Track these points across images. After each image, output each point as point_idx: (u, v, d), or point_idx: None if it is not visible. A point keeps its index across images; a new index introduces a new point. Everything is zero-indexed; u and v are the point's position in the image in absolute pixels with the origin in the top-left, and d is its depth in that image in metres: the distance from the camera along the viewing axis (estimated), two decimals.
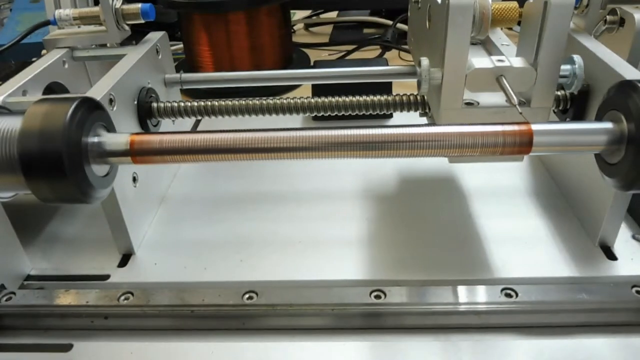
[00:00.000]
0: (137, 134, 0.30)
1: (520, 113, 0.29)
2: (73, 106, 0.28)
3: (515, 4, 0.35)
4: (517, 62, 0.32)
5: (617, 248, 0.38)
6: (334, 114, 0.45)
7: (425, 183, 0.48)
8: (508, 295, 0.34)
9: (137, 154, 0.29)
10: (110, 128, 0.31)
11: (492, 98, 0.33)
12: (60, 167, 0.27)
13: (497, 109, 0.33)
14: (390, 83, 0.57)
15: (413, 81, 0.50)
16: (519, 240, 0.40)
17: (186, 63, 0.75)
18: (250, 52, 0.71)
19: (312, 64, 0.77)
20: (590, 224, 0.39)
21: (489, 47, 0.38)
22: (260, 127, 0.30)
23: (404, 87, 0.63)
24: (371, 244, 0.41)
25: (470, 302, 0.34)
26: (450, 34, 0.31)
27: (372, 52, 0.81)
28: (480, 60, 0.32)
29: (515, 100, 0.29)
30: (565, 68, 0.33)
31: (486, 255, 0.39)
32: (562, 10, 0.29)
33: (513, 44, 0.39)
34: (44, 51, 0.47)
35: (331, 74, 0.49)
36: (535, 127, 0.27)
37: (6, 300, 0.37)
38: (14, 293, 0.37)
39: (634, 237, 0.39)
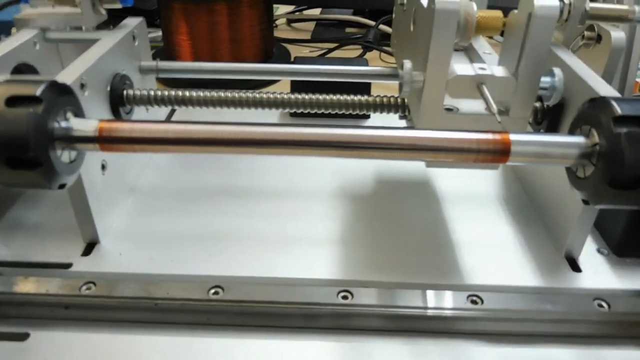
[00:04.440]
0: (106, 120, 0.29)
1: (499, 122, 0.29)
2: (41, 88, 0.27)
3: (499, 13, 0.35)
4: (499, 71, 0.32)
5: (582, 260, 0.39)
6: (312, 112, 0.45)
7: (400, 185, 0.48)
8: (474, 302, 0.34)
9: (105, 141, 0.28)
10: (80, 114, 0.30)
11: (472, 105, 0.33)
12: (24, 150, 0.26)
13: (476, 116, 0.33)
14: (370, 84, 0.57)
15: (392, 83, 0.50)
16: (488, 247, 0.40)
17: (164, 52, 0.73)
18: (230, 45, 0.70)
19: (292, 59, 0.77)
20: (557, 235, 0.40)
21: (471, 55, 0.38)
22: (235, 121, 0.29)
23: (383, 89, 0.63)
24: (342, 244, 0.40)
25: (437, 307, 0.34)
26: (434, 39, 0.31)
27: (353, 51, 0.80)
28: (462, 67, 0.32)
29: (495, 108, 0.29)
30: (545, 80, 0.34)
31: (455, 260, 0.39)
32: (546, 22, 0.30)
33: (495, 52, 0.39)
34: (14, 29, 0.46)
35: (311, 71, 0.48)
36: (513, 136, 0.27)
37: None
38: None
39: (598, 251, 0.40)
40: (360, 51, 0.79)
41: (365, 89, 0.56)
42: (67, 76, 0.36)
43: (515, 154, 0.27)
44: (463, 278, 0.37)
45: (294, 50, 0.82)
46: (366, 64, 0.61)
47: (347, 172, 0.49)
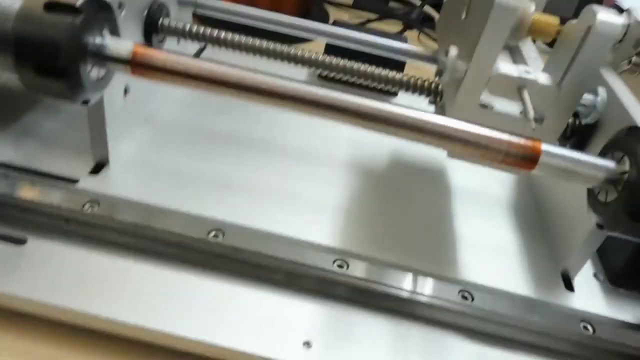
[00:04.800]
0: (141, 45, 0.28)
1: (534, 129, 0.28)
2: (82, 0, 0.26)
3: (556, 20, 0.34)
4: (543, 78, 0.31)
5: (577, 281, 0.39)
6: (344, 79, 0.44)
7: (413, 170, 0.48)
8: (464, 298, 0.34)
9: (138, 65, 0.28)
10: (116, 33, 0.29)
11: (508, 106, 0.33)
12: (55, 59, 0.26)
13: (510, 118, 0.32)
14: (404, 63, 0.56)
15: (427, 66, 0.49)
16: (488, 248, 0.40)
17: None
18: None
19: (331, 22, 0.75)
20: (558, 251, 0.40)
21: (517, 56, 0.37)
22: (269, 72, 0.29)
23: (415, 71, 0.62)
24: (345, 214, 0.41)
25: (427, 295, 0.34)
26: (486, 31, 0.30)
27: (393, 26, 0.79)
28: (507, 66, 0.31)
29: (532, 114, 0.29)
30: (588, 98, 0.33)
31: (454, 253, 0.39)
32: (604, 39, 0.29)
33: (540, 58, 0.38)
34: None
35: (349, 37, 0.47)
36: (544, 146, 0.27)
37: None
38: None
39: (595, 276, 0.40)
40: (400, 28, 0.78)
41: (399, 67, 0.55)
42: None
43: (542, 164, 0.27)
44: (457, 272, 0.38)
45: (333, 14, 0.80)
46: (405, 41, 0.60)
47: (364, 146, 0.49)
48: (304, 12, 0.72)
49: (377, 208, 0.42)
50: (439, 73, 0.45)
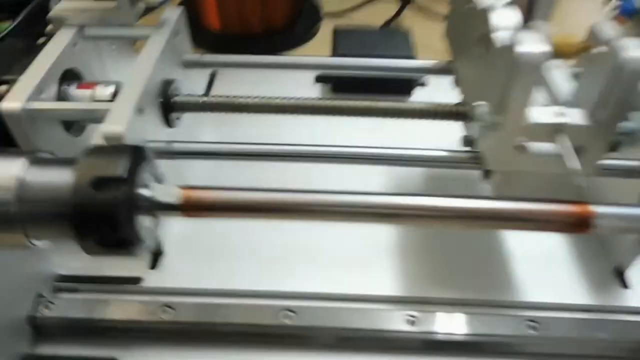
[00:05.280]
0: (189, 188, 0.29)
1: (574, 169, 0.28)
2: (124, 166, 0.27)
3: (574, 40, 0.33)
4: (577, 117, 0.31)
5: (631, 275, 0.40)
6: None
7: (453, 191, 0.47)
8: (530, 328, 0.36)
9: (190, 209, 0.28)
10: (157, 176, 0.30)
11: (546, 144, 0.32)
12: (114, 232, 0.26)
13: (548, 156, 0.32)
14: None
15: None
16: (541, 259, 0.42)
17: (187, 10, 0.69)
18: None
19: (322, 15, 0.72)
20: (610, 248, 0.41)
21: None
22: (317, 189, 0.29)
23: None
24: (400, 255, 0.42)
25: (498, 334, 0.36)
26: (516, 88, 0.29)
27: (390, 4, 0.75)
28: (541, 113, 0.31)
29: (574, 163, 0.29)
30: (626, 125, 0.33)
31: (510, 274, 0.41)
32: (632, 78, 0.28)
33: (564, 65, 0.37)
34: (49, 27, 0.43)
35: (355, 65, 0.47)
36: (594, 208, 0.27)
37: (46, 308, 0.37)
38: (52, 302, 0.38)
39: None
40: (397, 5, 0.74)
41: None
42: (125, 107, 0.35)
43: (598, 226, 0.27)
44: (517, 294, 0.39)
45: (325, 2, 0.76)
46: (407, 39, 0.58)
47: (399, 177, 0.48)
48: (296, 8, 0.70)
49: (426, 243, 0.43)
50: (457, 82, 0.44)
